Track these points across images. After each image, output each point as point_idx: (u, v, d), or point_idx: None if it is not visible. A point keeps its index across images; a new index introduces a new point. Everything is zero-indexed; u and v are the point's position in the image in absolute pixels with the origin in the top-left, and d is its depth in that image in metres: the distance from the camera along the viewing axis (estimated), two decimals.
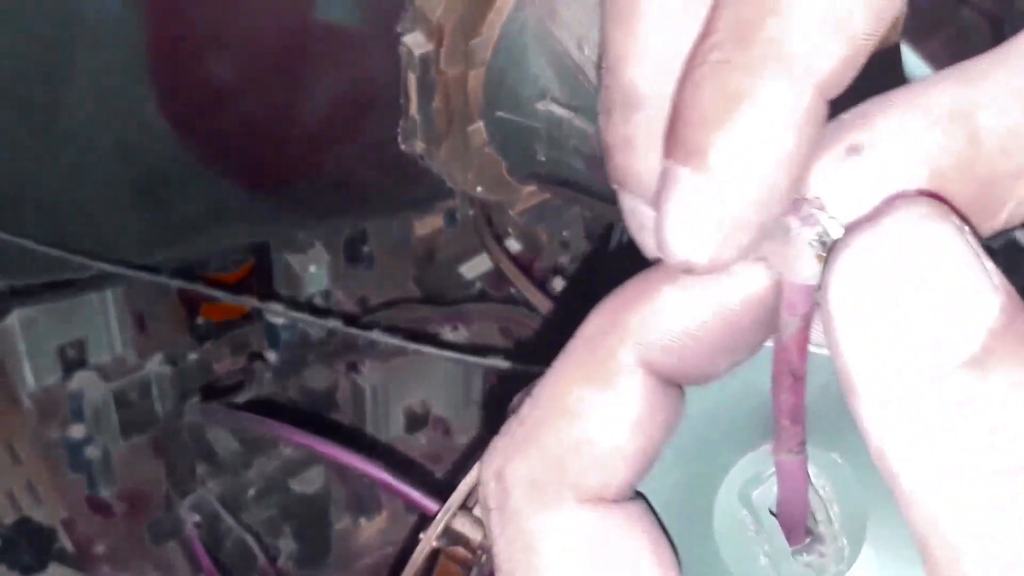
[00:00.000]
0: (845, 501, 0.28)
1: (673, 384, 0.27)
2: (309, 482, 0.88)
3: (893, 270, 0.23)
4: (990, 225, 0.26)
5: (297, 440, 0.68)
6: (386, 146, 0.68)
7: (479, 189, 0.71)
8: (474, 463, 0.57)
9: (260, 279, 0.97)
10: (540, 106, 0.65)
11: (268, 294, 0.97)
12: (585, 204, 0.72)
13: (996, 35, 0.57)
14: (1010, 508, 0.22)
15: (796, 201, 0.25)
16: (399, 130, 0.68)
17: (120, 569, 0.89)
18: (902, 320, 0.23)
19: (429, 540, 0.56)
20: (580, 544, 0.26)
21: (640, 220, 0.28)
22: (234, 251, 0.94)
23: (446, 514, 0.56)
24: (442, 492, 0.57)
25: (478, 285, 1.01)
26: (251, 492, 0.87)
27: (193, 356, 0.94)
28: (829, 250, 0.25)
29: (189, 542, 0.85)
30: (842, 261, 0.24)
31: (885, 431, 0.23)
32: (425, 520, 0.57)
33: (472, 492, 0.57)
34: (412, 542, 0.57)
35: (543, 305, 0.91)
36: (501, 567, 0.27)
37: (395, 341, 0.78)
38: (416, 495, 0.58)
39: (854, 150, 0.25)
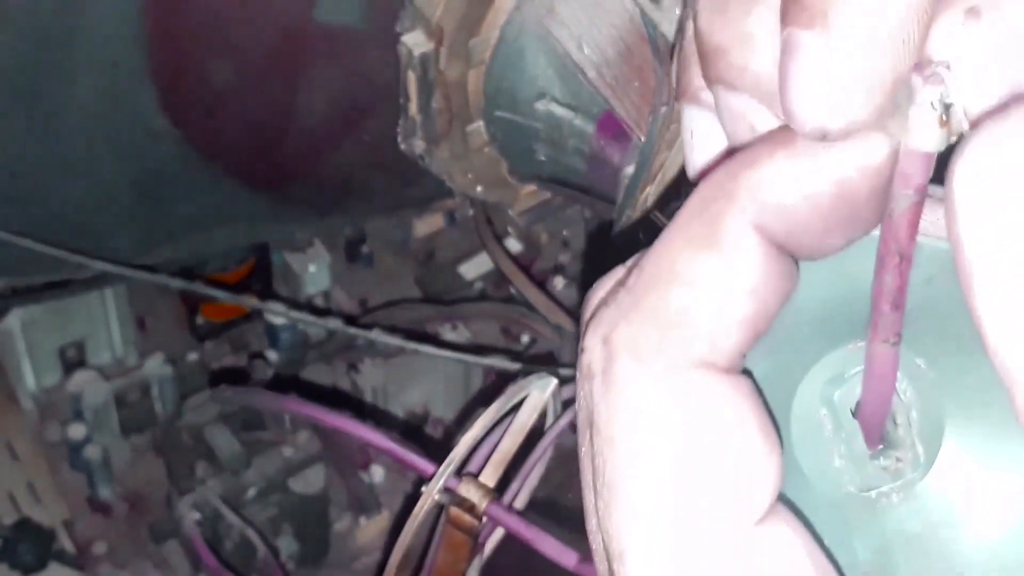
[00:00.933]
0: (925, 407, 0.27)
1: (786, 253, 0.26)
2: (309, 482, 0.88)
3: None
4: None
5: (304, 412, 0.68)
6: (386, 146, 0.68)
7: (479, 189, 0.71)
8: (473, 422, 0.57)
9: (260, 279, 0.97)
10: (540, 106, 0.65)
11: (268, 294, 0.97)
12: (585, 204, 0.72)
13: None
14: None
15: (919, 63, 0.23)
16: (399, 130, 0.68)
17: (120, 569, 0.89)
18: None
19: (431, 493, 0.56)
20: (686, 409, 0.25)
21: (752, 122, 0.27)
22: (234, 251, 0.94)
23: (448, 467, 0.56)
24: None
25: (478, 285, 1.01)
26: (251, 492, 0.87)
27: (193, 356, 0.94)
28: (950, 118, 0.23)
29: (189, 541, 0.85)
30: (971, 148, 0.22)
31: (1005, 331, 0.22)
32: (425, 481, 0.57)
33: (471, 455, 0.57)
34: (413, 500, 0.57)
35: (543, 305, 0.91)
36: (601, 432, 0.26)
37: (395, 341, 0.78)
38: (421, 461, 0.58)
39: (973, 13, 0.23)
